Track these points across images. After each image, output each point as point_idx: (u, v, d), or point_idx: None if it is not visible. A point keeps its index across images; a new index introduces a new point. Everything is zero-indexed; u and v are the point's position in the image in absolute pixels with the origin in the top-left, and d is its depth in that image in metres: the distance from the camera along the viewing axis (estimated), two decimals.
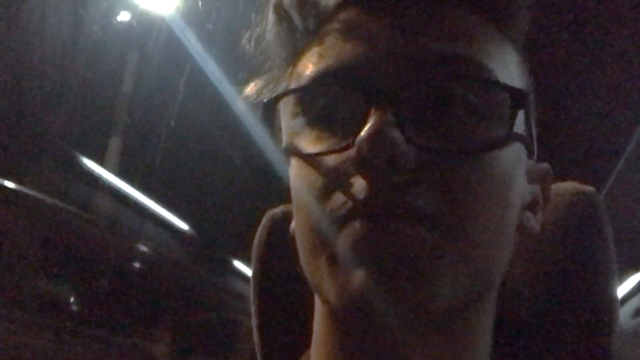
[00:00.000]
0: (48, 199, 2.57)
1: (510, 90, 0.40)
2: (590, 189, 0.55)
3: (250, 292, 0.61)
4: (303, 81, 0.43)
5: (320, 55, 0.43)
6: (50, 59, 2.49)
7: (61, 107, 2.64)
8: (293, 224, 0.48)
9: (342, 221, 0.40)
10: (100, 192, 2.97)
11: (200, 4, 2.52)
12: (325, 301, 0.43)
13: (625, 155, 2.43)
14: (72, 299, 2.92)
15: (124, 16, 2.71)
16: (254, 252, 0.61)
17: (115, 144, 3.00)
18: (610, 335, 0.51)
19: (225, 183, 3.61)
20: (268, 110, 0.44)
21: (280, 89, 0.47)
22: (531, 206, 0.47)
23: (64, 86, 2.60)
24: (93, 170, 2.88)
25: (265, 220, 0.62)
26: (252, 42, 0.48)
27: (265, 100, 0.45)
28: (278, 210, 0.62)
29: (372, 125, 0.38)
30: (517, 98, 0.40)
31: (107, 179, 2.96)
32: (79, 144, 2.80)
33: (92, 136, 2.90)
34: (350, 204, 0.39)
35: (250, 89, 0.49)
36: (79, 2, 2.52)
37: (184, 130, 3.12)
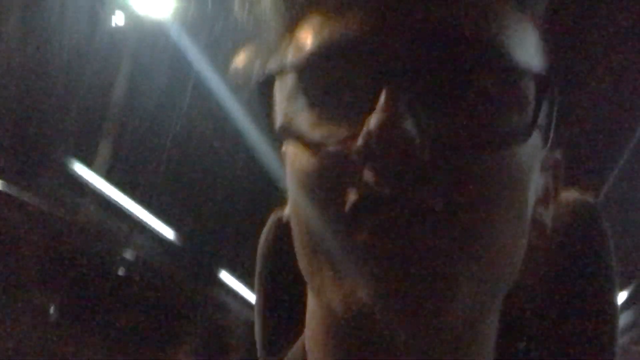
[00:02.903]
0: (36, 201, 2.54)
1: (535, 76, 0.37)
2: (592, 200, 0.53)
3: (255, 290, 0.60)
4: (304, 55, 0.39)
5: (322, 27, 0.39)
6: (42, 62, 2.48)
7: (51, 110, 2.63)
8: (287, 211, 0.45)
9: (349, 224, 0.36)
10: (87, 197, 2.94)
11: (197, 9, 2.52)
12: (323, 304, 0.40)
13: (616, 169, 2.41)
14: (53, 306, 2.89)
15: (118, 20, 2.70)
16: (260, 251, 0.60)
17: (104, 149, 2.98)
18: (612, 346, 0.51)
19: (217, 193, 3.59)
20: (263, 88, 0.40)
21: (274, 62, 0.43)
22: (543, 200, 0.44)
23: (54, 89, 2.58)
24: (81, 174, 2.86)
25: (272, 219, 0.60)
26: (246, 9, 0.44)
27: (259, 76, 0.41)
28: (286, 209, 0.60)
29: (383, 113, 0.34)
30: (541, 85, 0.37)
31: (95, 184, 2.94)
32: (68, 147, 2.78)
33: (82, 140, 2.88)
34: (356, 200, 0.36)
35: (241, 59, 0.46)
36: (72, 5, 2.51)
37: (178, 137, 3.11)
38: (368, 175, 0.36)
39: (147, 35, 2.76)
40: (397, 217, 0.35)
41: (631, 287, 2.89)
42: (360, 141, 0.35)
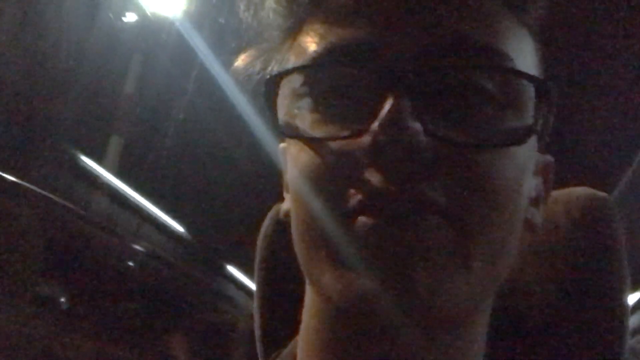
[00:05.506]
0: (47, 194, 2.55)
1: (535, 80, 0.38)
2: (604, 195, 0.53)
3: (255, 283, 0.61)
4: (309, 57, 0.40)
5: (327, 31, 0.39)
6: (56, 57, 2.48)
7: (64, 104, 2.63)
8: (286, 205, 0.46)
9: (351, 215, 0.37)
10: (98, 191, 2.96)
11: (205, 7, 2.51)
12: (322, 296, 0.41)
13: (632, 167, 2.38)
14: (64, 297, 2.91)
15: (130, 17, 2.70)
16: (260, 243, 0.60)
17: (115, 144, 2.99)
18: (620, 345, 0.50)
19: (226, 188, 3.60)
20: (269, 87, 0.40)
21: (276, 63, 0.44)
22: (535, 201, 0.45)
23: (67, 84, 2.59)
24: (92, 168, 2.87)
25: (272, 213, 0.60)
26: (250, 10, 0.45)
27: (263, 76, 0.41)
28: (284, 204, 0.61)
29: (389, 112, 0.35)
30: (541, 89, 0.38)
31: (105, 178, 2.95)
32: (80, 141, 2.79)
33: (92, 135, 2.89)
34: (361, 196, 0.37)
35: (242, 60, 0.46)
36: (87, 2, 2.51)
37: (187, 133, 3.11)
38: (373, 173, 0.36)
39: (156, 32, 2.76)
40: (401, 212, 0.36)
41: None
42: (367, 139, 0.36)
